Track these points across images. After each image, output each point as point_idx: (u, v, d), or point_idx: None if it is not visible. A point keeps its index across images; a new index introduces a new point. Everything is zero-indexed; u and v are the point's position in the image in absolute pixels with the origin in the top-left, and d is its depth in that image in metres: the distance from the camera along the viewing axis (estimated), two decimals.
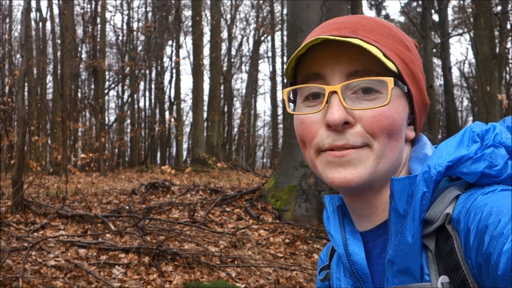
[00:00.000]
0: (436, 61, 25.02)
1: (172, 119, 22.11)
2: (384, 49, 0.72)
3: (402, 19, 28.95)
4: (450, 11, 27.60)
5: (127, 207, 6.83)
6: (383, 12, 25.48)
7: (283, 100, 0.83)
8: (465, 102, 32.54)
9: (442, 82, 24.51)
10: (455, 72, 38.88)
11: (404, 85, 0.75)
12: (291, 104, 0.82)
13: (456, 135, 0.73)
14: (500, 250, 0.56)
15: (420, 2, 20.54)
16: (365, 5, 24.59)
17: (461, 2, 14.58)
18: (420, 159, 0.77)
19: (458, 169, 0.69)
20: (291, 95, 0.82)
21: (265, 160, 33.18)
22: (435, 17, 19.27)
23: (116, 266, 4.64)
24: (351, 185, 0.72)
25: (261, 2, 27.78)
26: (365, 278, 0.77)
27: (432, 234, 0.69)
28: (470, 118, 29.78)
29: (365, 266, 0.76)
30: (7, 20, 25.44)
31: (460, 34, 24.92)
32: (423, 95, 0.79)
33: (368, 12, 24.91)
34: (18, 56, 22.01)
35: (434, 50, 19.54)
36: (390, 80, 0.71)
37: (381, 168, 0.73)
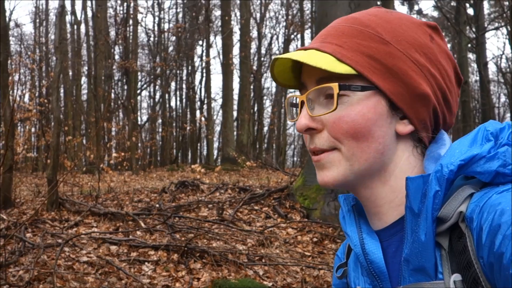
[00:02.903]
0: (472, 56, 24.34)
1: (203, 118, 22.32)
2: (342, 52, 0.74)
3: (436, 14, 28.32)
4: (486, 4, 26.80)
5: (157, 205, 6.95)
6: (416, 7, 24.95)
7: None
8: (503, 98, 31.56)
9: (478, 78, 23.84)
10: (492, 67, 37.71)
11: (369, 84, 0.74)
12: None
13: (470, 134, 0.72)
14: None
15: None
16: (397, 0, 24.16)
17: None
18: (434, 158, 0.76)
19: (471, 168, 0.68)
20: None
21: (295, 158, 33.07)
22: (470, 11, 18.73)
23: (146, 263, 4.74)
24: (328, 186, 0.78)
25: (290, 0, 27.69)
26: (382, 277, 0.77)
27: (445, 232, 0.69)
28: (508, 115, 28.82)
29: (383, 265, 0.77)
30: (44, 24, 26.25)
31: (497, 28, 24.16)
32: (411, 86, 0.75)
33: (400, 7, 24.43)
34: (54, 58, 22.63)
35: (470, 45, 19.02)
36: (335, 86, 0.73)
37: (357, 169, 0.76)
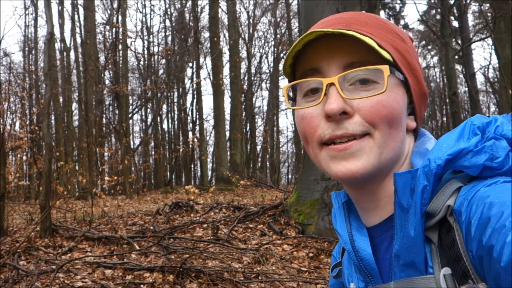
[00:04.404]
0: (460, 67, 24.66)
1: (195, 139, 22.33)
2: (378, 40, 0.74)
3: (421, 27, 28.78)
4: (470, 16, 27.27)
5: (151, 227, 6.90)
6: (402, 22, 25.35)
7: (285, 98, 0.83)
8: (493, 108, 31.91)
9: (467, 89, 24.11)
10: (480, 78, 38.23)
11: (400, 73, 0.75)
12: (291, 102, 0.83)
13: (457, 128, 0.73)
14: (503, 242, 0.56)
15: (438, 10, 20.39)
16: (382, 15, 24.52)
17: (481, 7, 14.43)
18: (421, 154, 0.77)
19: (459, 163, 0.68)
20: (291, 93, 0.82)
21: (290, 176, 33.05)
22: (455, 24, 19.06)
23: (141, 285, 4.69)
24: (356, 177, 0.73)
25: (278, 19, 28.07)
26: (373, 273, 0.77)
27: (435, 226, 0.69)
28: None
29: (373, 261, 0.76)
30: (33, 52, 26.33)
31: (482, 39, 24.55)
32: (421, 84, 0.79)
33: None
34: (43, 85, 22.65)
35: (456, 57, 19.28)
36: (385, 68, 0.71)
37: (384, 158, 0.74)
